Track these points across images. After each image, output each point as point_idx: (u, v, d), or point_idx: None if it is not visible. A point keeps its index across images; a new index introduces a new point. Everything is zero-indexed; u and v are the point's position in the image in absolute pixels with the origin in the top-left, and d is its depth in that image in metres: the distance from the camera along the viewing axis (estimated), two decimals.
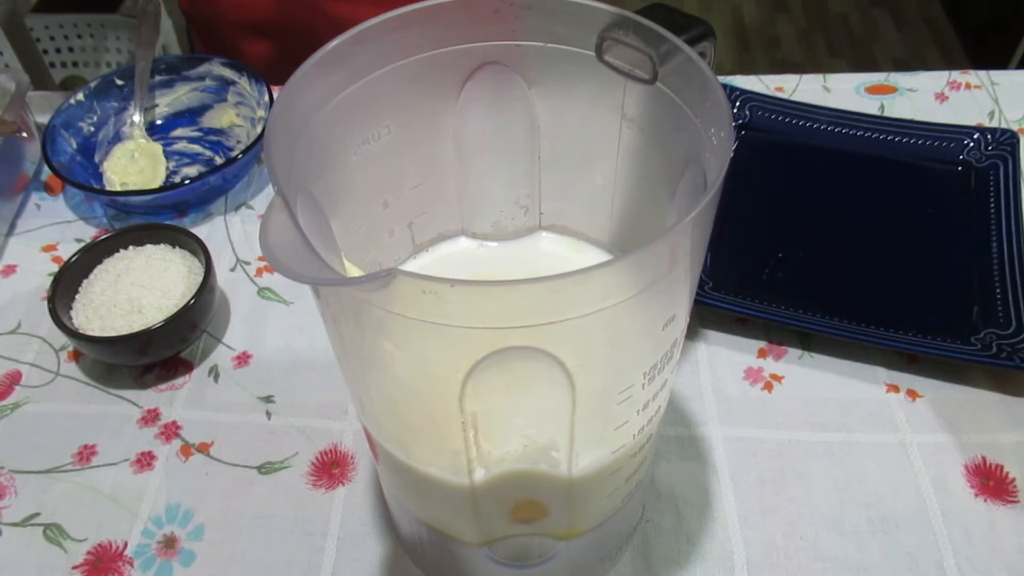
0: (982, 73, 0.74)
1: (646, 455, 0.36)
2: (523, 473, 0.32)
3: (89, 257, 0.57)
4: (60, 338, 0.57)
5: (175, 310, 0.52)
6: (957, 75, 0.74)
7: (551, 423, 0.30)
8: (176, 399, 0.53)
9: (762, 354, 0.54)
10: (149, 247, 0.58)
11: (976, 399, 0.51)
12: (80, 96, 0.69)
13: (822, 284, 0.57)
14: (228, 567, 0.45)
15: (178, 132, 0.72)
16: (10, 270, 0.62)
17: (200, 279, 0.55)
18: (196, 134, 0.72)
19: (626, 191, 0.38)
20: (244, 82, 0.70)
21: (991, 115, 0.70)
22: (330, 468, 0.49)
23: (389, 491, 0.42)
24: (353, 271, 0.31)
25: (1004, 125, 0.69)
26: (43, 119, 0.68)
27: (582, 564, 0.41)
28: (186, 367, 0.55)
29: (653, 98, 0.31)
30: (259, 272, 0.61)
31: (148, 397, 0.54)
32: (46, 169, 0.69)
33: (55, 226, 0.66)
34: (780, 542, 0.45)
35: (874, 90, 0.73)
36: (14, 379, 0.55)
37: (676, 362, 0.32)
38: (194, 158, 0.70)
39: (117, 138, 0.70)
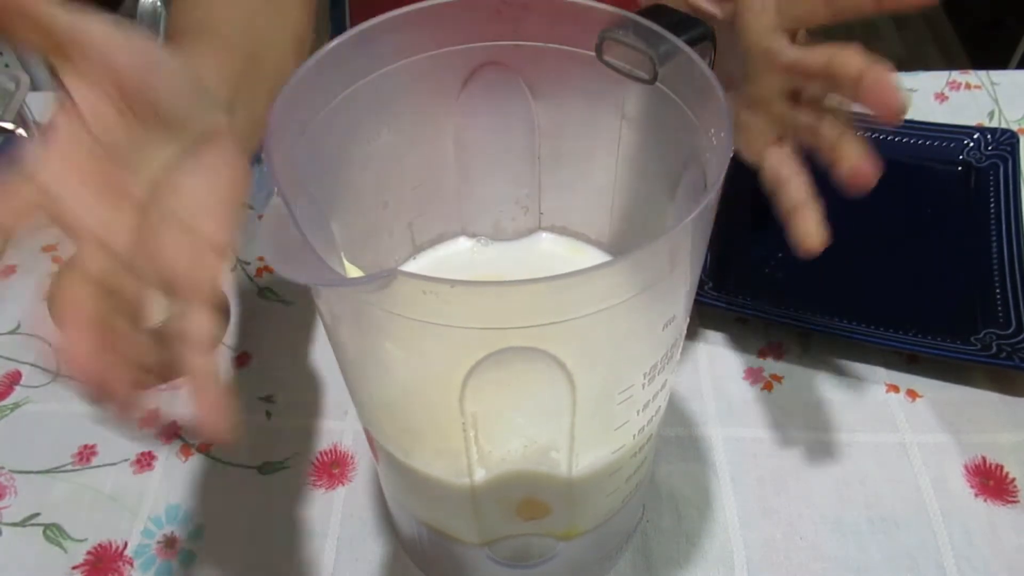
0: (982, 73, 0.74)
1: (646, 455, 0.36)
2: (523, 473, 0.32)
3: None
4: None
5: None
6: (957, 75, 0.74)
7: (551, 423, 0.30)
8: (176, 399, 0.53)
9: (762, 354, 0.54)
10: None
11: (976, 399, 0.51)
12: None
13: (822, 284, 0.57)
14: (228, 567, 0.45)
15: None
16: (10, 270, 0.62)
17: None
18: None
19: (626, 191, 0.38)
20: None
21: (991, 115, 0.70)
22: (330, 468, 0.49)
23: (389, 491, 0.42)
24: (353, 271, 0.31)
25: (1004, 125, 0.69)
26: (43, 119, 0.68)
27: (582, 564, 0.41)
28: None
29: (653, 98, 0.31)
30: (259, 272, 0.61)
31: (148, 397, 0.53)
32: None
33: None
34: (780, 542, 0.45)
35: None
36: (14, 379, 0.55)
37: (676, 362, 0.32)
38: None
39: None
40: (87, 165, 0.28)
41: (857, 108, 0.36)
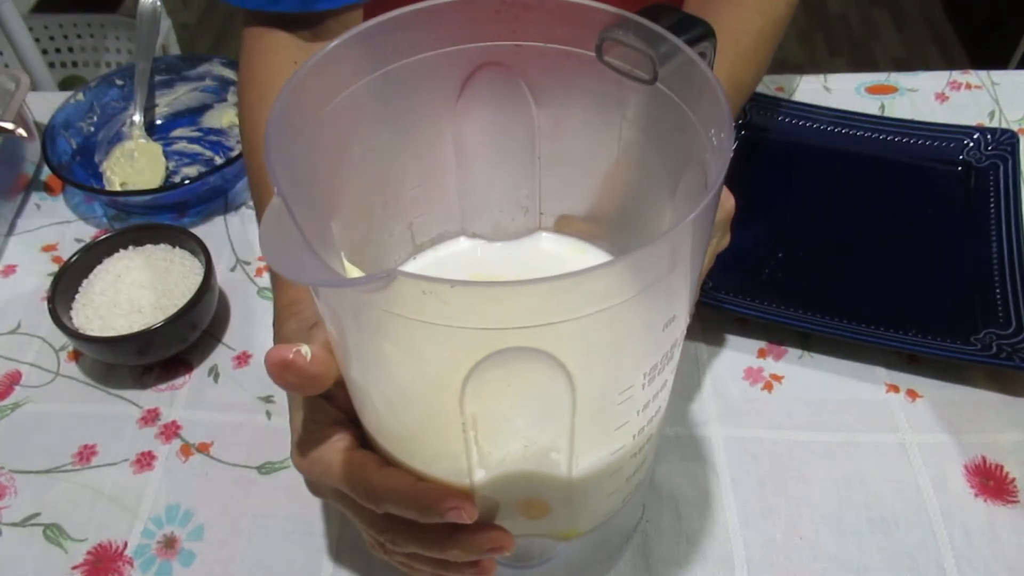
0: (982, 73, 0.74)
1: (646, 455, 0.36)
2: (523, 474, 0.32)
3: (89, 257, 0.57)
4: (60, 338, 0.57)
5: (175, 310, 0.52)
6: (957, 75, 0.74)
7: (551, 424, 0.30)
8: (176, 399, 0.53)
9: (762, 354, 0.54)
10: (149, 247, 0.58)
11: (976, 399, 0.51)
12: (80, 96, 0.69)
13: (822, 284, 0.57)
14: (228, 567, 0.45)
15: (178, 132, 0.72)
16: (10, 270, 0.62)
17: (200, 279, 0.55)
18: (196, 134, 0.72)
19: (626, 191, 0.38)
20: None
21: (991, 115, 0.70)
22: None
23: None
24: (353, 271, 0.31)
25: (1004, 125, 0.69)
26: (43, 119, 0.68)
27: (582, 564, 0.41)
28: (186, 367, 0.55)
29: (653, 99, 0.31)
30: (259, 272, 0.61)
31: (148, 397, 0.54)
32: (46, 169, 0.69)
33: (55, 226, 0.66)
34: (780, 542, 0.45)
35: (874, 90, 0.73)
36: (14, 379, 0.55)
37: (676, 362, 0.32)
38: (194, 158, 0.70)
39: (117, 138, 0.70)
40: None
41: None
